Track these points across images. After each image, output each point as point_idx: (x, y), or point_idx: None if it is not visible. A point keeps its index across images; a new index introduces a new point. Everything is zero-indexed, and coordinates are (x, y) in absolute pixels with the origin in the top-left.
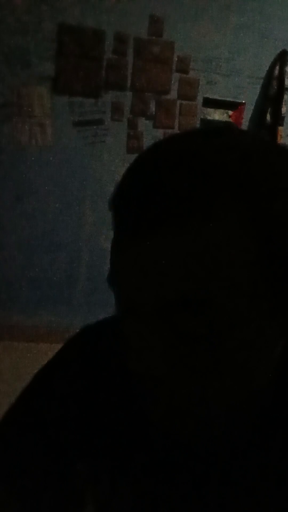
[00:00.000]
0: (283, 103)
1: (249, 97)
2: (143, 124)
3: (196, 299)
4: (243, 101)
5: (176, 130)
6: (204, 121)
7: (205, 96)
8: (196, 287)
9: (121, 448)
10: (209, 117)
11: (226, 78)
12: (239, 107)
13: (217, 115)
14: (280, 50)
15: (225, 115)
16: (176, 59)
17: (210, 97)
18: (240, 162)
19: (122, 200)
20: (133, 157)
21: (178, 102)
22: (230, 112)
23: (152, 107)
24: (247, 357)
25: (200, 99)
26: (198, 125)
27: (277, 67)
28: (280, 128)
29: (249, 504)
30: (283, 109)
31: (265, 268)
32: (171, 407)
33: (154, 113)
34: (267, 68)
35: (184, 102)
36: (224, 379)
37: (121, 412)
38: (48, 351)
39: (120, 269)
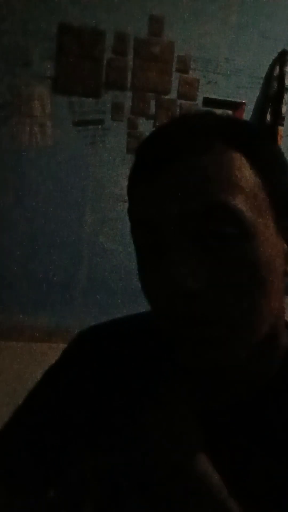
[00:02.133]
0: (283, 103)
1: (249, 97)
2: (143, 124)
3: (226, 207)
4: (243, 101)
5: None
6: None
7: (205, 96)
8: (225, 198)
9: (126, 447)
10: None
11: (226, 78)
12: (239, 107)
13: None
14: (280, 50)
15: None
16: (176, 59)
17: (210, 97)
18: (235, 122)
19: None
20: (133, 157)
21: (178, 102)
22: (230, 112)
23: (152, 107)
24: (264, 261)
25: (200, 99)
26: None
27: (277, 67)
28: (280, 128)
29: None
30: (283, 109)
31: (268, 193)
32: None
33: (154, 113)
34: (267, 68)
35: (184, 102)
36: (247, 281)
37: (127, 411)
38: (48, 351)
39: (155, 190)
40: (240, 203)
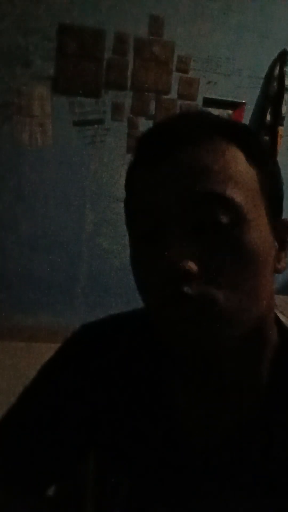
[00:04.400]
0: (283, 103)
1: (249, 97)
2: (143, 124)
3: (221, 196)
4: (243, 101)
5: None
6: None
7: (205, 96)
8: (221, 188)
9: (123, 443)
10: None
11: (226, 78)
12: (239, 107)
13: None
14: (280, 50)
15: (225, 115)
16: (176, 59)
17: (210, 97)
18: (232, 121)
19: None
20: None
21: (178, 102)
22: (230, 112)
23: (152, 107)
24: (257, 250)
25: (200, 99)
26: None
27: (277, 67)
28: (280, 128)
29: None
30: (283, 109)
31: (261, 188)
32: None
33: (154, 113)
34: (267, 68)
35: (184, 102)
36: (241, 266)
37: (123, 406)
38: (48, 351)
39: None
40: (235, 193)
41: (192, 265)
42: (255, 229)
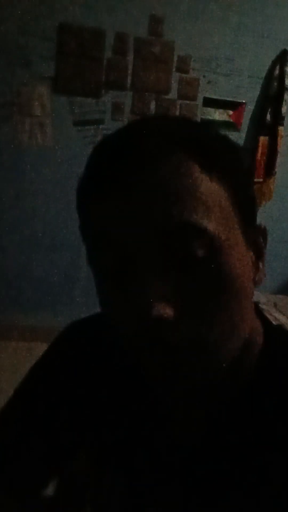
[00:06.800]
0: (283, 103)
1: (249, 97)
2: None
3: (193, 226)
4: (243, 101)
5: None
6: (204, 121)
7: (205, 96)
8: (192, 218)
9: (113, 441)
10: (209, 117)
11: (226, 78)
12: (239, 107)
13: (217, 115)
14: (280, 50)
15: (225, 115)
16: (176, 59)
17: (210, 97)
18: (193, 127)
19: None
20: None
21: (178, 102)
22: (230, 112)
23: (152, 107)
24: (236, 278)
25: (200, 99)
26: None
27: (277, 67)
28: (280, 128)
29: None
30: (283, 109)
31: (232, 202)
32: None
33: (154, 113)
34: (267, 68)
35: (184, 102)
36: (222, 299)
37: (110, 403)
38: None
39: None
40: (209, 221)
41: (167, 310)
42: (232, 256)
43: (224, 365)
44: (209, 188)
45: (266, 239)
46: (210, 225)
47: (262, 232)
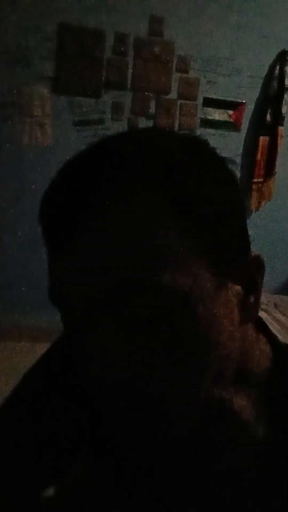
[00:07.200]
0: (283, 103)
1: (249, 97)
2: (143, 124)
3: (151, 283)
4: (243, 101)
5: (176, 130)
6: (204, 121)
7: (205, 96)
8: (151, 273)
9: (109, 449)
10: (209, 117)
11: (226, 78)
12: (239, 107)
13: (217, 115)
14: (280, 50)
15: (225, 115)
16: (176, 59)
17: (210, 97)
18: (161, 152)
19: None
20: None
21: (178, 102)
22: (230, 112)
23: (152, 107)
24: (203, 331)
25: (200, 99)
26: (198, 125)
27: (277, 67)
28: (280, 128)
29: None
30: (283, 109)
31: (207, 247)
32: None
33: (154, 113)
34: (267, 68)
35: (184, 102)
36: (181, 358)
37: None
38: None
39: (58, 274)
40: (167, 275)
41: (124, 375)
42: (204, 308)
43: (194, 416)
44: (173, 234)
45: (262, 268)
46: (169, 280)
47: (256, 262)
